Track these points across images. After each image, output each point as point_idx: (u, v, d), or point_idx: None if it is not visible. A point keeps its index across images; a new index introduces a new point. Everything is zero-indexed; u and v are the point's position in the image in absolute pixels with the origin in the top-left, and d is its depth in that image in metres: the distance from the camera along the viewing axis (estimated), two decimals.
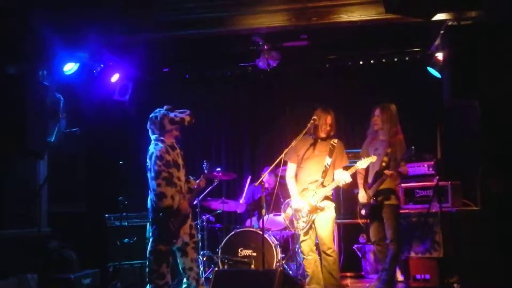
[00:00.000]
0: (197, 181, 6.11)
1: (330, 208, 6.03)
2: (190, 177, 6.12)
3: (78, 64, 6.77)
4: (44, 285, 5.89)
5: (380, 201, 6.21)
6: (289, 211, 6.23)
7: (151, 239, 5.74)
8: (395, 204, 6.25)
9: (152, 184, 5.66)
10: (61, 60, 6.53)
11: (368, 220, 6.43)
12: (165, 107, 5.89)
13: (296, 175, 6.21)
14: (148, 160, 5.77)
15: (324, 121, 6.04)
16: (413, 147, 6.07)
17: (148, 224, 5.96)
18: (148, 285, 5.73)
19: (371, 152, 6.24)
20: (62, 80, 6.54)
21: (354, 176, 6.14)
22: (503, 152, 5.38)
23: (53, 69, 6.37)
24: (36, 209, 6.00)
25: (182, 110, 5.90)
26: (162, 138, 5.80)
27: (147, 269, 5.74)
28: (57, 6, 6.07)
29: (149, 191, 5.77)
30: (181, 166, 5.91)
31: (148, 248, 5.73)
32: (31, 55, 6.00)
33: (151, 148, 5.79)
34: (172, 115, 5.81)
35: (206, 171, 6.41)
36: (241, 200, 7.98)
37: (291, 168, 6.23)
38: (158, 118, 5.79)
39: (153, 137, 5.85)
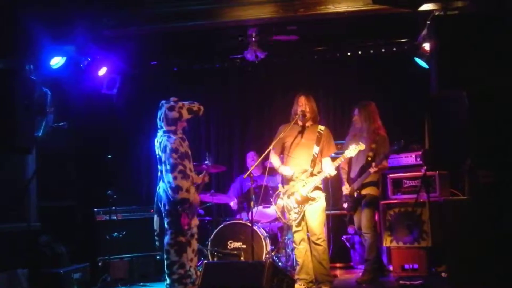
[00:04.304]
0: (201, 175, 6.16)
1: (320, 198, 6.07)
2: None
3: (65, 58, 6.74)
4: (34, 280, 5.88)
5: (363, 193, 6.41)
6: (280, 202, 6.25)
7: (169, 232, 5.73)
8: (375, 195, 6.48)
9: (168, 177, 5.62)
10: (48, 54, 6.49)
11: (351, 213, 6.62)
12: (172, 98, 5.85)
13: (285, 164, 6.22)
14: (161, 153, 5.71)
15: (300, 103, 6.13)
16: (402, 140, 6.16)
17: (155, 216, 5.94)
18: (168, 277, 5.72)
19: None
20: (49, 74, 6.50)
21: (337, 169, 6.21)
22: (491, 142, 5.41)
23: (40, 63, 6.33)
24: (25, 204, 5.97)
25: (190, 101, 5.95)
26: (174, 129, 5.76)
27: (166, 262, 5.72)
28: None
29: (163, 183, 5.73)
30: (190, 157, 5.92)
31: (167, 241, 5.73)
32: (18, 49, 5.95)
33: (163, 140, 5.71)
34: (187, 103, 5.86)
35: (210, 164, 6.47)
36: (232, 203, 8.02)
37: (273, 154, 6.21)
38: (176, 108, 5.76)
39: (163, 129, 5.78)
